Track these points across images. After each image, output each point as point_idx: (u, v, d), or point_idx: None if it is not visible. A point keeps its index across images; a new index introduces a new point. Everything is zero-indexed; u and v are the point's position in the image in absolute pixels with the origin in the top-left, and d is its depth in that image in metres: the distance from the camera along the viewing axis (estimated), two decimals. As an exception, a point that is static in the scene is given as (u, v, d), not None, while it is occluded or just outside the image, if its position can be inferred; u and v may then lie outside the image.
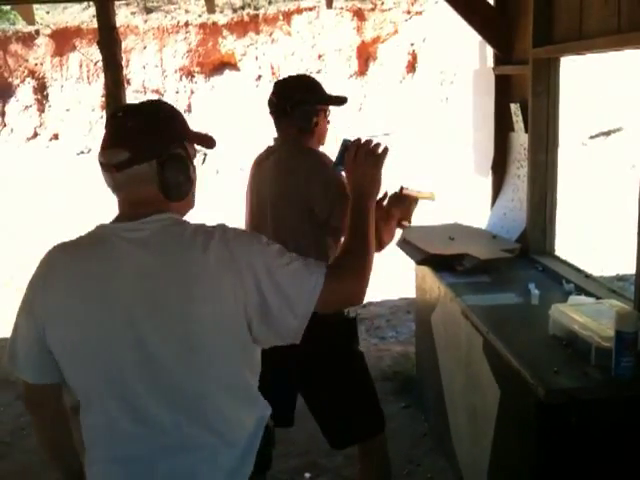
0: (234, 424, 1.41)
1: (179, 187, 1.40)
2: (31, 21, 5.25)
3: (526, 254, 3.14)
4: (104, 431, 1.38)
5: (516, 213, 3.33)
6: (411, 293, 5.08)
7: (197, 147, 1.50)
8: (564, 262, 3.07)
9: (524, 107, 3.21)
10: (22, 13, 5.34)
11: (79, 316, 1.34)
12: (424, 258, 3.11)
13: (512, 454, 2.27)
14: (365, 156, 1.59)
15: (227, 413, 1.40)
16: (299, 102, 2.41)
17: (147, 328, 1.33)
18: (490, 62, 3.65)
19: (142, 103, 1.47)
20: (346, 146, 1.65)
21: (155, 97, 19.82)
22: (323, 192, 2.33)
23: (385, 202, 2.24)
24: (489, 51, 3.65)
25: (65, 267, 1.38)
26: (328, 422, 2.50)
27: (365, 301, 5.35)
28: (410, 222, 2.55)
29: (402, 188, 2.56)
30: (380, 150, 1.60)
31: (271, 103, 2.48)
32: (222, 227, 1.41)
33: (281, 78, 2.61)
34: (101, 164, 1.40)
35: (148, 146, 1.37)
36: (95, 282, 1.35)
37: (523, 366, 2.04)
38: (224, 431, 1.39)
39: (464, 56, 19.59)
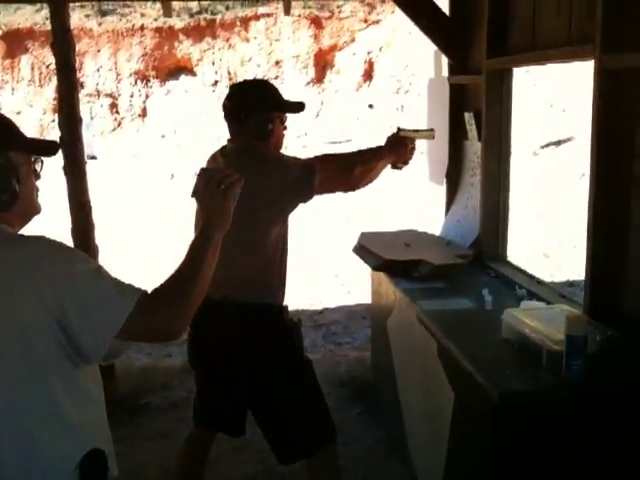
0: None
1: None
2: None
3: (480, 260, 3.19)
4: None
5: (470, 220, 3.39)
6: (367, 299, 5.13)
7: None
8: (516, 268, 3.14)
9: (478, 116, 3.27)
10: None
11: None
12: (380, 264, 3.13)
13: (467, 457, 2.29)
14: (216, 186, 1.53)
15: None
16: (254, 109, 2.35)
17: None
18: (445, 71, 3.71)
19: None
20: (199, 175, 1.61)
21: (108, 101, 19.57)
22: (287, 184, 2.31)
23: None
24: (444, 61, 3.71)
25: None
26: (274, 437, 2.43)
27: (321, 307, 5.34)
28: (407, 163, 2.63)
29: (399, 129, 2.63)
30: (230, 181, 1.54)
31: (225, 108, 2.41)
32: (35, 239, 1.39)
33: (237, 82, 2.55)
34: None
35: None
36: None
37: (477, 370, 2.07)
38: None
39: (420, 65, 19.86)
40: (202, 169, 1.60)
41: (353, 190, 2.53)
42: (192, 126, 18.63)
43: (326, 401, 2.51)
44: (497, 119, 3.15)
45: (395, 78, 19.80)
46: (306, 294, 5.90)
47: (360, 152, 2.63)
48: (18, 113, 19.02)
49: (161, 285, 1.43)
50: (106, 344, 1.36)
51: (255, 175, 2.24)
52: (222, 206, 1.53)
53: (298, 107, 2.47)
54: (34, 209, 1.48)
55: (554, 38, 2.61)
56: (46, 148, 1.47)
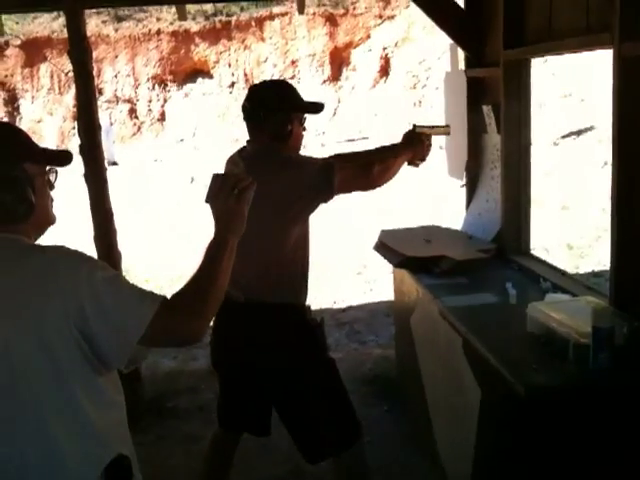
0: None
1: (14, 209, 1.38)
2: (-1, 32, 5.18)
3: (502, 254, 3.16)
4: None
5: (491, 213, 3.36)
6: (390, 296, 5.10)
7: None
8: (540, 261, 3.10)
9: (496, 108, 3.24)
10: (-10, 24, 5.27)
11: None
12: (401, 261, 3.12)
13: (495, 452, 2.28)
14: (229, 191, 1.54)
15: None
16: (273, 110, 2.36)
17: None
18: (462, 65, 3.68)
19: None
20: (212, 179, 1.62)
21: (127, 107, 19.73)
22: (307, 185, 2.31)
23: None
24: (461, 54, 3.68)
25: None
26: (299, 436, 2.44)
27: (345, 305, 5.32)
28: (424, 160, 2.65)
29: (415, 126, 2.65)
30: (243, 186, 1.55)
31: (245, 109, 2.42)
32: (55, 249, 1.40)
33: (256, 83, 2.56)
34: None
35: None
36: None
37: (502, 365, 2.06)
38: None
39: (436, 59, 19.75)
40: (215, 174, 1.60)
41: (372, 189, 2.52)
42: (210, 129, 18.71)
43: (351, 400, 2.51)
44: (516, 111, 3.11)
45: (411, 73, 19.70)
46: (329, 292, 5.90)
47: (377, 150, 2.63)
48: (38, 122, 19.27)
49: (180, 291, 1.44)
50: (128, 351, 1.37)
51: (275, 176, 2.26)
52: (236, 211, 1.53)
53: (317, 108, 2.46)
54: (49, 220, 1.49)
55: (572, 27, 2.58)
56: (60, 158, 1.48)
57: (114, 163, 15.68)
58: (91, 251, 3.81)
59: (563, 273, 2.91)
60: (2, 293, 1.33)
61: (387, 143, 2.69)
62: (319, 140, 17.55)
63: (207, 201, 1.58)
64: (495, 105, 3.25)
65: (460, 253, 3.03)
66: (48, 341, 1.32)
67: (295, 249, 2.38)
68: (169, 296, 1.42)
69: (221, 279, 1.47)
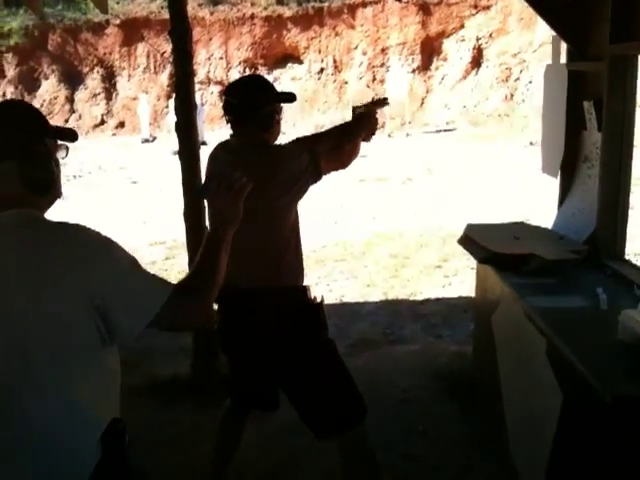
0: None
1: (42, 182, 1.48)
2: (104, 10, 5.38)
3: (595, 257, 3.03)
4: None
5: (585, 214, 3.23)
6: (469, 292, 5.01)
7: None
8: (635, 267, 2.96)
9: (598, 105, 3.10)
10: (96, 3, 5.48)
11: None
12: (487, 257, 3.05)
13: (574, 459, 2.21)
14: (226, 189, 1.66)
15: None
16: (261, 102, 2.50)
17: None
18: (563, 58, 3.54)
19: None
20: (209, 177, 1.73)
21: (218, 89, 20.13)
22: (300, 171, 2.47)
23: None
24: (563, 47, 3.55)
25: None
26: (308, 413, 2.52)
27: (422, 297, 5.29)
28: (374, 133, 2.88)
29: (354, 109, 2.89)
30: (240, 185, 1.67)
31: (230, 105, 2.53)
32: (76, 227, 1.47)
33: (235, 80, 2.72)
34: None
35: (5, 145, 1.44)
36: None
37: (589, 371, 1.98)
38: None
39: (531, 52, 19.12)
40: (212, 172, 1.74)
41: (344, 168, 2.71)
42: (296, 114, 18.85)
43: (353, 378, 2.56)
44: (620, 109, 2.97)
45: (505, 66, 19.20)
46: (407, 284, 5.86)
47: (340, 131, 2.81)
48: (133, 99, 19.94)
49: (186, 279, 1.60)
50: (140, 330, 1.47)
51: (271, 167, 2.43)
52: (233, 207, 1.67)
53: (291, 97, 2.60)
54: (59, 193, 1.57)
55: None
56: (70, 135, 1.56)
57: (203, 143, 16.02)
58: (180, 227, 3.92)
59: (659, 281, 2.77)
60: (24, 265, 1.39)
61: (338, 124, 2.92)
62: (404, 130, 17.40)
63: (203, 196, 1.73)
64: (597, 101, 3.11)
65: (550, 252, 2.93)
66: (64, 310, 1.39)
67: (293, 233, 2.53)
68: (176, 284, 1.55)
69: (221, 268, 1.61)
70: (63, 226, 1.47)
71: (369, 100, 3.00)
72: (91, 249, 1.44)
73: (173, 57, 3.71)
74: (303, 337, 2.48)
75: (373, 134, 2.85)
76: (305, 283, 2.58)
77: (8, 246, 1.40)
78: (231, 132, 2.59)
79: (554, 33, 3.52)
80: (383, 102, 2.96)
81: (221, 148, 2.64)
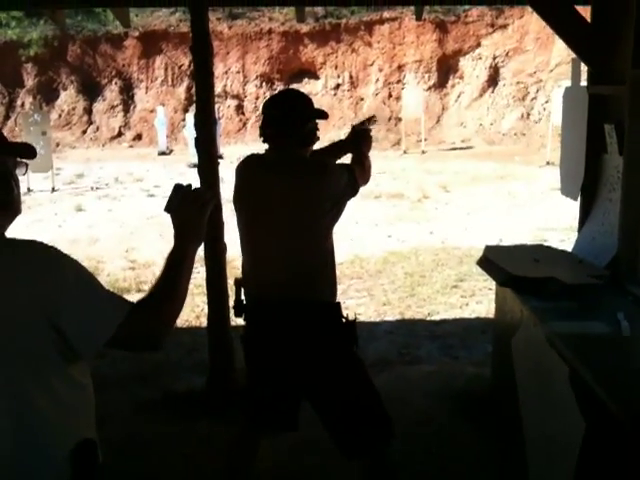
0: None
1: (1, 202, 1.44)
2: (127, 24, 5.43)
3: (617, 282, 3.01)
4: None
5: (606, 238, 3.21)
6: (486, 313, 4.98)
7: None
8: (657, 292, 2.93)
9: (619, 128, 3.09)
10: (118, 16, 5.54)
11: None
12: (507, 279, 3.03)
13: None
14: (190, 203, 1.59)
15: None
16: (306, 117, 2.50)
17: None
18: (583, 80, 3.54)
19: None
20: (174, 191, 1.64)
21: (235, 103, 20.26)
22: (343, 187, 2.51)
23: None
24: (583, 68, 3.54)
25: None
26: (337, 431, 2.49)
27: (439, 317, 5.26)
28: (369, 149, 2.92)
29: (353, 127, 2.98)
30: (204, 200, 1.61)
31: (273, 117, 2.50)
32: (32, 243, 1.44)
33: (278, 93, 2.73)
34: None
35: None
36: None
37: (613, 399, 1.96)
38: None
39: (547, 72, 19.10)
40: (177, 185, 1.65)
41: (365, 185, 2.72)
42: (312, 128, 18.91)
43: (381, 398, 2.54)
44: (642, 132, 2.96)
45: (521, 84, 19.20)
46: (423, 304, 5.83)
47: (338, 149, 2.96)
48: (151, 111, 20.08)
49: (145, 298, 1.51)
50: (95, 350, 1.45)
51: (313, 181, 2.43)
52: (197, 222, 1.60)
53: (326, 115, 2.61)
54: (19, 210, 1.54)
55: None
56: (28, 151, 1.52)
57: (219, 157, 16.11)
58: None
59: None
60: None
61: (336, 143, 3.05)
62: (420, 147, 17.40)
63: (167, 211, 1.63)
64: (618, 124, 3.10)
65: (570, 276, 2.91)
66: (21, 328, 1.38)
67: (329, 248, 2.52)
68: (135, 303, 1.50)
69: (182, 287, 1.54)
70: (17, 243, 1.45)
71: (362, 119, 3.08)
72: (43, 267, 1.41)
73: (194, 73, 3.73)
74: (336, 353, 2.47)
75: (369, 151, 2.90)
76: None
77: None
78: (267, 147, 2.56)
79: (572, 53, 3.52)
80: (374, 119, 3.02)
81: (256, 163, 2.60)
